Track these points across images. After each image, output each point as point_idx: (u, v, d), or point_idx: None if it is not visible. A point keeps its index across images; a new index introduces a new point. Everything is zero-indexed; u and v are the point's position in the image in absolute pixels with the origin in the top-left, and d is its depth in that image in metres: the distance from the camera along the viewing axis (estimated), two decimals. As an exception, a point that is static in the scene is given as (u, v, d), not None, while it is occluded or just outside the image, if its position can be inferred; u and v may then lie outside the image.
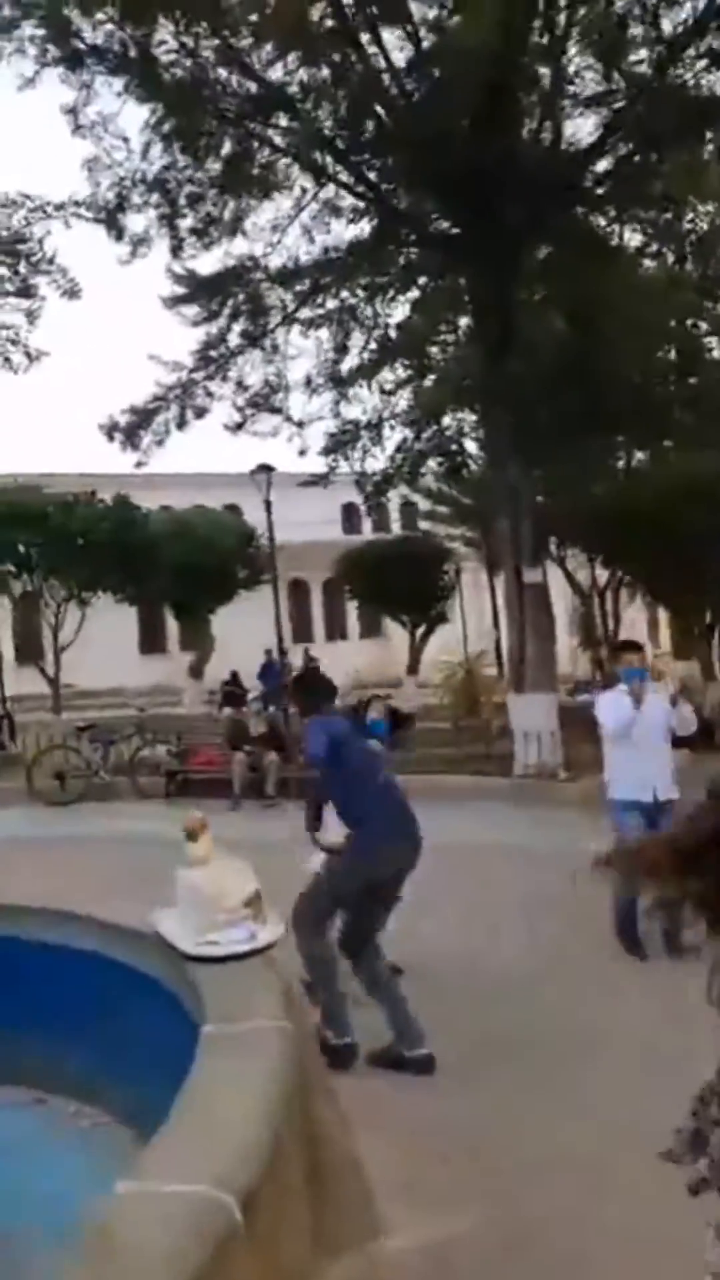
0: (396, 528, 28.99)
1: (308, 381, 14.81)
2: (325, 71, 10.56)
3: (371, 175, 11.21)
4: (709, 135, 12.95)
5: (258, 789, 10.73)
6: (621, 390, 13.02)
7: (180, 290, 13.56)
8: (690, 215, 18.38)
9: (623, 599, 18.48)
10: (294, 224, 12.67)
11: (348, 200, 12.16)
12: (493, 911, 6.23)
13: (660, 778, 5.37)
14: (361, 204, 11.98)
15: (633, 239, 17.17)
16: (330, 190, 12.20)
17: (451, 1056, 4.08)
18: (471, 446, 20.29)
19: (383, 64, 10.61)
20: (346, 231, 12.98)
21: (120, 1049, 3.31)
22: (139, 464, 13.94)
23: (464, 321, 19.86)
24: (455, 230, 11.32)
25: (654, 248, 18.05)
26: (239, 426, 13.94)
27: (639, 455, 19.46)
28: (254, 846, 4.21)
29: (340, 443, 18.76)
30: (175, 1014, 2.90)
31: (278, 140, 11.90)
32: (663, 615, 23.69)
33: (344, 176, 11.64)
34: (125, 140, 11.57)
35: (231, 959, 2.99)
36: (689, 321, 17.73)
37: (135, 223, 12.14)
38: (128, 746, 12.61)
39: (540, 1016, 4.53)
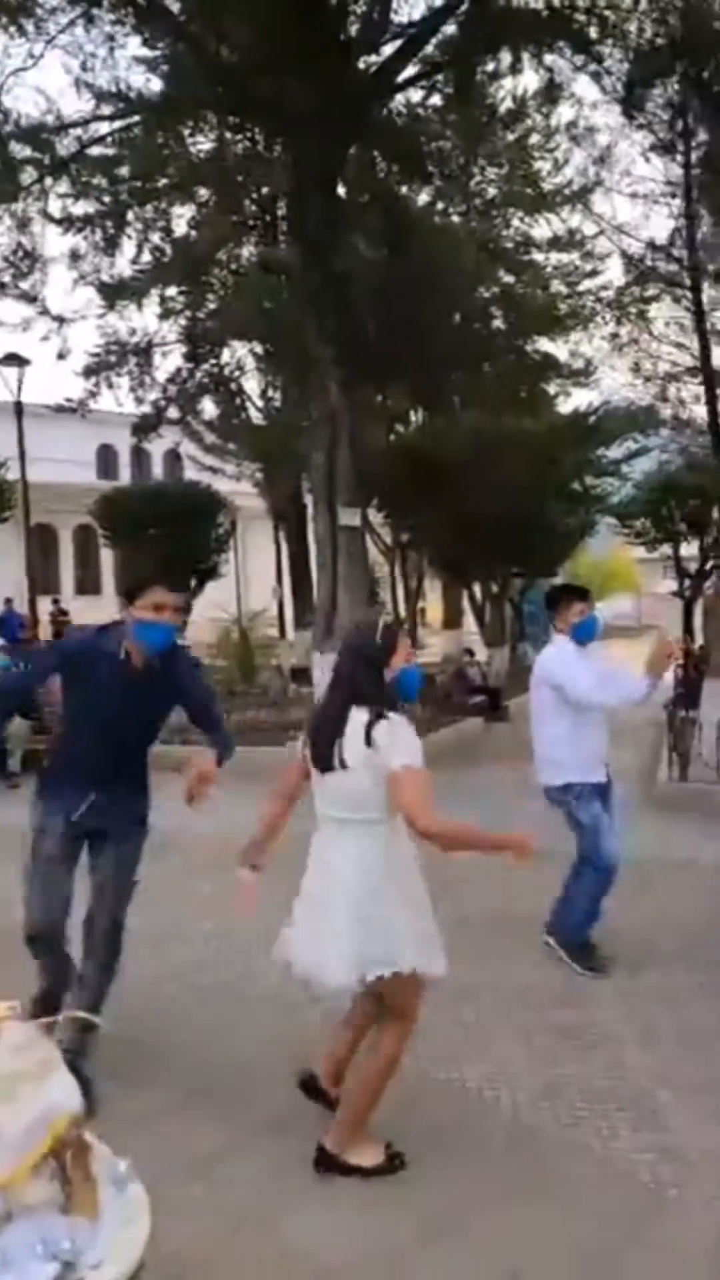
0: (159, 476, 26.59)
1: (73, 257, 12.02)
2: None
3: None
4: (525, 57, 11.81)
5: (-1, 764, 8.51)
6: (441, 328, 11.71)
7: None
8: (478, 176, 17.76)
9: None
10: (49, 54, 10.10)
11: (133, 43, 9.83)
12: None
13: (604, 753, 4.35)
14: (153, 44, 9.73)
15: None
16: (107, 26, 9.81)
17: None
18: (252, 387, 18.51)
19: None
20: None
21: None
22: None
23: (246, 251, 17.97)
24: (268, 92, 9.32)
25: (440, 206, 17.16)
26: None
27: (418, 412, 18.46)
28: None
29: (104, 365, 16.33)
30: None
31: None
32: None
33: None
34: None
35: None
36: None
37: None
38: None
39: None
